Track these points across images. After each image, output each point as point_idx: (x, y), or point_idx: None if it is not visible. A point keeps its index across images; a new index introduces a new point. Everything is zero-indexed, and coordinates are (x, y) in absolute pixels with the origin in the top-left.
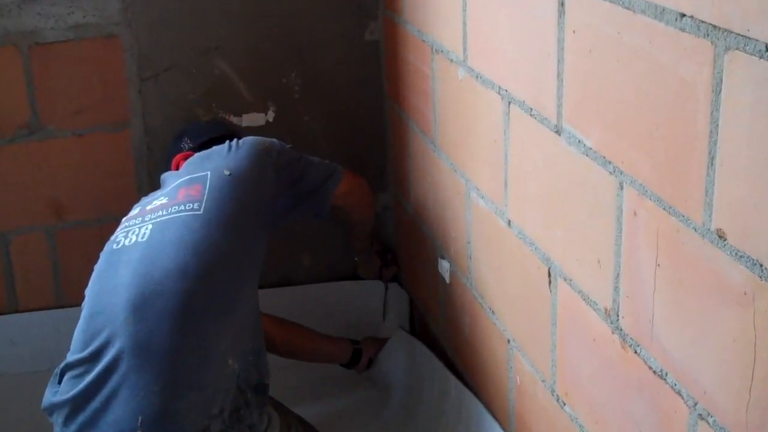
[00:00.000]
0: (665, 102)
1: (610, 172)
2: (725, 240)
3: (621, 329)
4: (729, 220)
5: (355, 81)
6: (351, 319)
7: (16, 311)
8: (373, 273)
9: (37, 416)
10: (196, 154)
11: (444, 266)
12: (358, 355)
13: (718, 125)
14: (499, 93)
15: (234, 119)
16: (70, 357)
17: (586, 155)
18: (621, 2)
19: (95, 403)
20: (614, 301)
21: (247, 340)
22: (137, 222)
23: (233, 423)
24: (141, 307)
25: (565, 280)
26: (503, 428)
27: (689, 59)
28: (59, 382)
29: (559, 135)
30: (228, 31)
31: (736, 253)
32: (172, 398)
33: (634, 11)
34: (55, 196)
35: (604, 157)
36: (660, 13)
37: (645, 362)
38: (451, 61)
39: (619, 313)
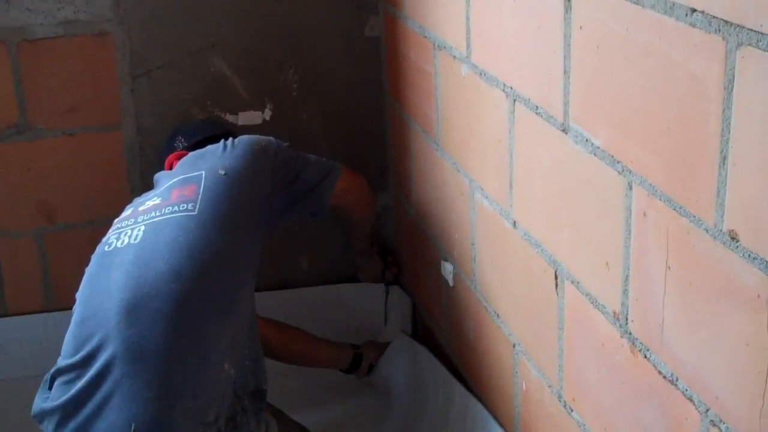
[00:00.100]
0: (675, 100)
1: (618, 172)
2: (738, 241)
3: (630, 333)
4: (742, 221)
5: (355, 78)
6: (351, 323)
7: (6, 315)
8: (374, 275)
9: (27, 423)
10: (190, 154)
11: (447, 269)
12: (359, 360)
13: (730, 123)
14: (503, 90)
15: (230, 118)
16: (61, 362)
17: (594, 154)
18: None
19: (87, 410)
20: (623, 304)
21: (244, 343)
22: (129, 223)
23: (229, 430)
24: (134, 310)
25: (572, 282)
26: None
27: (700, 55)
28: (50, 388)
29: (566, 134)
30: (223, 27)
31: (749, 255)
32: (167, 405)
33: (642, 6)
34: (44, 198)
35: (613, 157)
36: (670, 8)
37: (655, 367)
38: (454, 57)
39: (628, 317)
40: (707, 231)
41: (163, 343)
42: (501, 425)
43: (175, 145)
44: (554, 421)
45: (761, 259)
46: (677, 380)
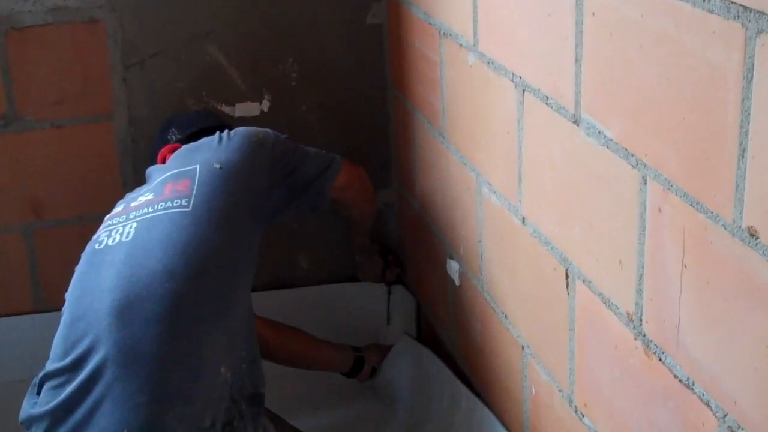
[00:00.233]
0: (692, 89)
1: (632, 166)
2: (757, 238)
3: (644, 335)
4: (761, 217)
5: (357, 68)
6: (353, 324)
7: None
8: (374, 275)
9: (14, 430)
10: (184, 147)
11: (453, 267)
12: (361, 363)
13: (749, 114)
14: (512, 80)
15: (226, 109)
16: (50, 366)
17: (607, 147)
18: None
19: (77, 416)
20: (637, 304)
21: (241, 345)
22: (121, 220)
23: None
24: (126, 311)
25: (583, 281)
26: None
27: (718, 43)
28: (38, 393)
29: (578, 125)
30: (220, 13)
31: None
32: (160, 410)
33: None
34: (33, 193)
35: (626, 149)
36: None
37: (670, 370)
38: (461, 45)
39: (643, 318)
40: (725, 227)
41: (157, 346)
42: (509, 430)
43: (169, 137)
44: (565, 427)
45: None
46: (693, 384)
